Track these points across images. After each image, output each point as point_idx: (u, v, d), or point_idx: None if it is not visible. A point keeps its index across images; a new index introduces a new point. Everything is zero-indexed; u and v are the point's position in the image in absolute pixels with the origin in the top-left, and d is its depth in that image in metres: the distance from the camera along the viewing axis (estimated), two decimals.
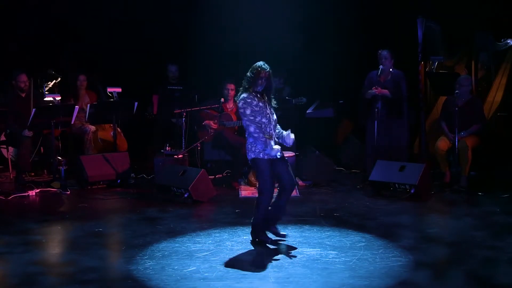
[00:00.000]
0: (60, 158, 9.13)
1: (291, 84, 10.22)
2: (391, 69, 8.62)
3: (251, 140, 6.13)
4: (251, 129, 6.07)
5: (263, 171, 6.13)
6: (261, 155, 6.10)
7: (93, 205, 7.97)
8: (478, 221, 6.97)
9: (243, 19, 10.09)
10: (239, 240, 6.36)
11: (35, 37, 10.36)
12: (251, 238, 6.29)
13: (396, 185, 7.94)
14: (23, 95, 9.02)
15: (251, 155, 6.15)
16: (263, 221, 6.25)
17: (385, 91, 8.49)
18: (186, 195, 7.83)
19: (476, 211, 7.41)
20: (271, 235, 6.32)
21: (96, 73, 10.13)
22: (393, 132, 8.64)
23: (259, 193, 6.25)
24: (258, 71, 6.07)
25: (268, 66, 6.12)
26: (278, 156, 6.15)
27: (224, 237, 6.47)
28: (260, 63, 6.13)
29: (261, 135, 6.06)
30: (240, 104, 6.11)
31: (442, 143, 8.53)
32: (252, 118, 6.06)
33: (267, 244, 6.20)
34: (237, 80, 9.12)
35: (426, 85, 9.40)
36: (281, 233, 6.33)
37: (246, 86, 6.12)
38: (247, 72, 6.14)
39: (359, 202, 7.85)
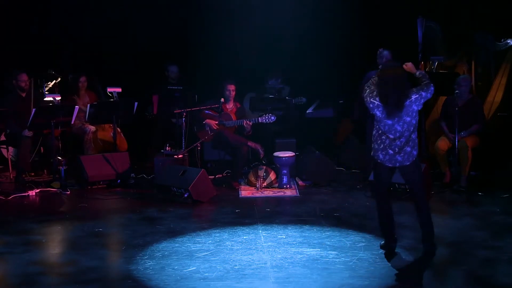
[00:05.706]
0: (60, 158, 9.11)
1: (290, 84, 10.21)
2: None
3: (413, 136, 5.94)
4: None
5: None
6: None
7: (93, 205, 7.96)
8: (478, 221, 6.97)
9: (243, 19, 10.09)
10: (239, 240, 6.37)
11: (35, 37, 10.36)
12: (433, 250, 5.97)
13: (396, 185, 7.93)
14: (23, 94, 9.01)
15: (415, 153, 5.98)
16: None
17: None
18: (186, 195, 7.82)
19: (476, 211, 7.41)
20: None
21: (96, 73, 10.12)
22: None
23: (421, 195, 6.02)
24: None
25: None
26: None
27: (224, 237, 6.47)
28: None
29: None
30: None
31: (442, 143, 8.53)
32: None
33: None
34: (237, 81, 9.19)
35: None
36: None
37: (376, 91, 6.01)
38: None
39: (359, 202, 7.85)
